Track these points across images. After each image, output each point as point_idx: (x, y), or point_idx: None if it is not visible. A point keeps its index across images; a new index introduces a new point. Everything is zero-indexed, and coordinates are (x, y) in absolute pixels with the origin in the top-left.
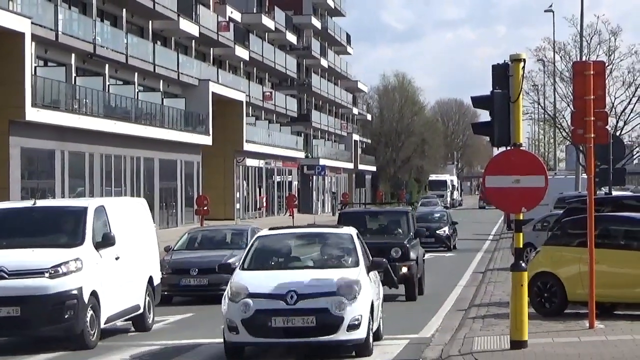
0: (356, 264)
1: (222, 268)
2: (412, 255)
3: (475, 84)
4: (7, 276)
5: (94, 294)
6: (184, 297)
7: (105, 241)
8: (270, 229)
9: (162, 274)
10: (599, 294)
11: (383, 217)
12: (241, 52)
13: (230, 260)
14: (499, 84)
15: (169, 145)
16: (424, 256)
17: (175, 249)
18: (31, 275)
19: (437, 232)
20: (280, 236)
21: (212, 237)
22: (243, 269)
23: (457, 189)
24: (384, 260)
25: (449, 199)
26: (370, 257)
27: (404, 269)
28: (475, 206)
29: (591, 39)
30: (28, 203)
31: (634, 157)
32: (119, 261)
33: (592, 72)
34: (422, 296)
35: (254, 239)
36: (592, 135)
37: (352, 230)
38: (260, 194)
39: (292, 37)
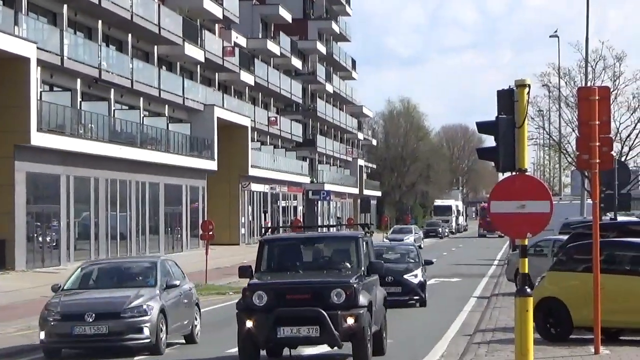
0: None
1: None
2: (362, 299)
3: (480, 109)
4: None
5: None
6: (75, 350)
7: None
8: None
9: (49, 321)
10: (605, 320)
11: (323, 246)
12: (246, 77)
13: (135, 303)
14: (504, 109)
15: (175, 170)
16: (384, 300)
17: (65, 288)
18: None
19: (406, 277)
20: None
21: (113, 273)
22: None
23: (462, 214)
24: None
25: (454, 224)
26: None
27: (350, 320)
28: None
29: (596, 64)
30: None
31: (639, 182)
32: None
33: (597, 98)
34: (428, 321)
35: None
36: (597, 161)
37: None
38: (265, 219)
39: (297, 62)
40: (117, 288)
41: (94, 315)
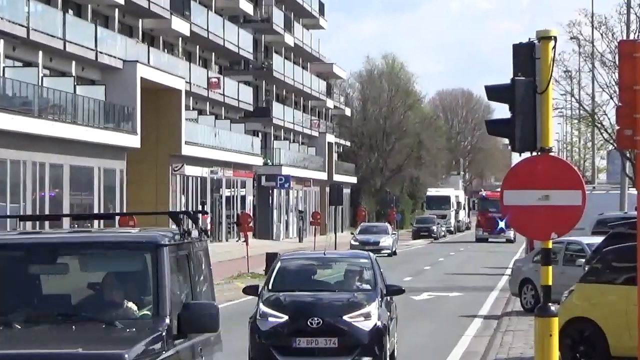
0: None
1: None
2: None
3: (489, 69)
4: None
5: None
6: None
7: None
8: None
9: None
10: None
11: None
12: (179, 25)
13: None
14: (522, 69)
15: (84, 147)
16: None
17: None
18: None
19: (349, 319)
20: None
21: None
22: None
23: (464, 208)
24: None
25: (452, 220)
26: None
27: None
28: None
29: None
30: None
31: None
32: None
33: None
34: (421, 347)
35: None
36: None
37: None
38: (203, 214)
39: (247, 6)
40: None
41: None
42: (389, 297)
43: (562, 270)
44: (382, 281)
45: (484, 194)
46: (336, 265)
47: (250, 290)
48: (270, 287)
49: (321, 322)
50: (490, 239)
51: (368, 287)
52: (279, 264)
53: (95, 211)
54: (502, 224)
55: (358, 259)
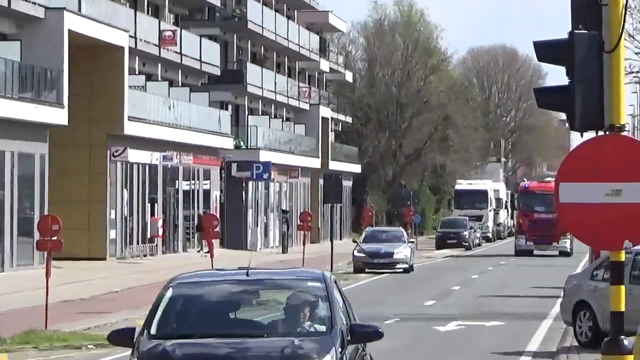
0: None
1: None
2: None
3: (539, 19)
4: None
5: None
6: None
7: None
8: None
9: None
10: None
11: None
12: None
13: None
14: (583, 20)
15: None
16: None
17: None
18: None
19: None
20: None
21: None
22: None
23: (506, 206)
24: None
25: (490, 223)
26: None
27: None
28: None
29: None
30: None
31: None
32: None
33: None
34: None
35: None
36: None
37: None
38: (153, 214)
39: None
40: None
41: None
42: (359, 345)
43: (630, 289)
44: (345, 318)
45: (526, 185)
46: (269, 293)
47: (119, 337)
48: (153, 330)
49: None
50: (536, 251)
51: (321, 328)
52: (169, 293)
53: (7, 211)
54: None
55: (305, 282)
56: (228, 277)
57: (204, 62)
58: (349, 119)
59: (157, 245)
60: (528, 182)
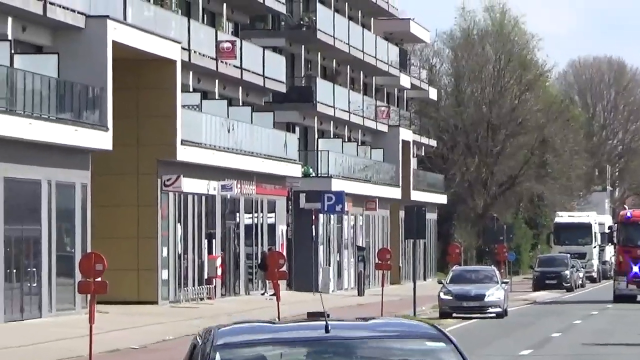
0: None
1: None
2: None
3: None
4: None
5: None
6: None
7: None
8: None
9: None
10: None
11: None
12: None
13: None
14: None
15: (25, 149)
16: None
17: None
18: None
19: None
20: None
21: None
22: None
23: (612, 241)
24: None
25: (595, 261)
26: None
27: None
28: None
29: None
30: None
31: None
32: None
33: None
34: None
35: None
36: None
37: None
38: (211, 252)
39: None
40: None
41: None
42: None
43: None
44: None
45: (628, 214)
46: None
47: None
48: None
49: None
50: None
51: None
52: (217, 357)
53: (44, 248)
54: (636, 269)
55: (418, 341)
56: (300, 335)
57: (267, 77)
58: (434, 143)
59: (215, 287)
60: (631, 210)
